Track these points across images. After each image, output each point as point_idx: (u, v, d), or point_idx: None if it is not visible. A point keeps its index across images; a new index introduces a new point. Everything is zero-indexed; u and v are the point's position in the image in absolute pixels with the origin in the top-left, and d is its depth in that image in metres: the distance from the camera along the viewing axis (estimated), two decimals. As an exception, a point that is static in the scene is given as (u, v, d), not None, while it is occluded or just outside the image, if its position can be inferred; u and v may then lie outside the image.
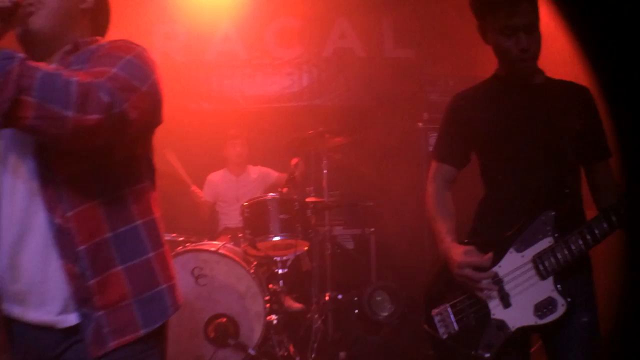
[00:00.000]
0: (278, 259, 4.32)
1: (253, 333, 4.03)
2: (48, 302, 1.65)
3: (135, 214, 1.74)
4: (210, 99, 6.08)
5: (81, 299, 1.63)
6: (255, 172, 5.54)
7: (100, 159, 1.69)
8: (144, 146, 1.84)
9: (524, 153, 2.30)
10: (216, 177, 5.53)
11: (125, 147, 1.73)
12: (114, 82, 1.57)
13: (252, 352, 3.98)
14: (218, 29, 6.09)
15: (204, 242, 4.34)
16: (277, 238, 4.19)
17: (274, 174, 5.57)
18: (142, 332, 1.69)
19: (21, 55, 1.50)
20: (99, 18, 1.95)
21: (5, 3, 1.67)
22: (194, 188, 5.37)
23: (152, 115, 1.74)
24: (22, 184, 1.68)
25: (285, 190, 4.46)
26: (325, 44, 6.08)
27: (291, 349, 4.27)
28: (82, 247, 1.63)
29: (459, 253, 2.27)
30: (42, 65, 1.53)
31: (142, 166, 1.83)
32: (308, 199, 4.53)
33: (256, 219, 4.25)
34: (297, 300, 4.78)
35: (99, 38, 1.92)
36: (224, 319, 3.99)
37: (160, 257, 1.78)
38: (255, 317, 4.05)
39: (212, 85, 6.09)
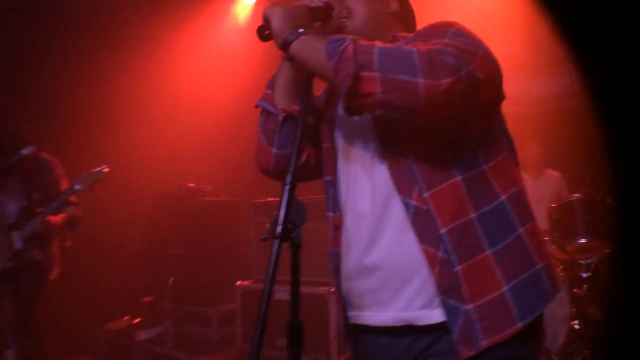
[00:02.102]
0: (583, 262, 4.18)
1: (557, 337, 3.93)
2: (407, 296, 1.53)
3: (499, 189, 1.55)
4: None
5: (447, 289, 1.48)
6: (553, 177, 5.30)
7: (452, 135, 1.56)
8: (496, 116, 1.67)
9: None
10: None
11: (476, 119, 1.58)
12: (452, 48, 1.46)
13: (554, 357, 3.88)
14: (493, 32, 6.05)
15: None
16: (583, 240, 4.06)
17: (565, 192, 5.15)
18: (519, 325, 1.47)
19: (351, 36, 1.50)
20: (408, 19, 1.95)
21: (318, 3, 1.75)
22: None
23: (498, 79, 1.58)
24: (369, 173, 1.64)
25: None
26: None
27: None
28: (444, 230, 1.48)
29: None
30: (375, 42, 1.49)
31: (499, 136, 1.65)
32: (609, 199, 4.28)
33: (564, 220, 4.15)
34: (597, 307, 4.58)
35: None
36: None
37: (531, 232, 1.56)
38: (560, 321, 3.96)
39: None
